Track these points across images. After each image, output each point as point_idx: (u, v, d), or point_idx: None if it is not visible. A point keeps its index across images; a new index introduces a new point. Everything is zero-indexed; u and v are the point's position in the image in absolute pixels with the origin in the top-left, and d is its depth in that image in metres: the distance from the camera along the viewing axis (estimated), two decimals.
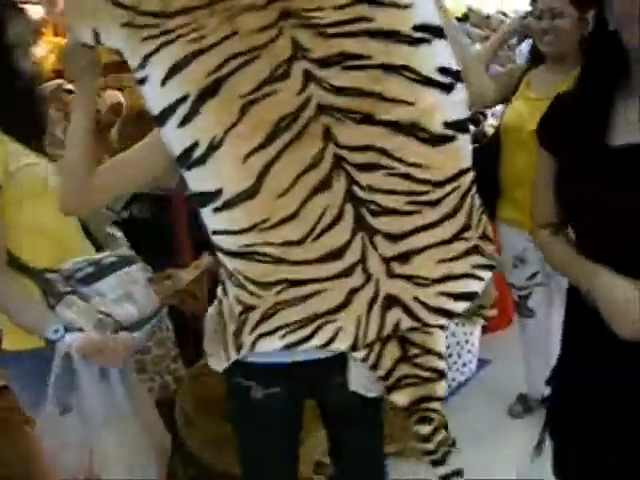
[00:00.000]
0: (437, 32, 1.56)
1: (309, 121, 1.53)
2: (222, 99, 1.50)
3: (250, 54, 1.51)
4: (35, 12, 4.05)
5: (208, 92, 1.50)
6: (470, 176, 1.64)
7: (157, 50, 1.51)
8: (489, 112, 4.47)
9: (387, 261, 1.60)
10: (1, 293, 1.89)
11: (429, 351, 1.66)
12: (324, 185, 1.54)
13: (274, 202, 1.53)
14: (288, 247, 1.55)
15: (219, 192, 1.52)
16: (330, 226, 1.56)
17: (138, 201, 3.18)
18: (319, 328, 1.61)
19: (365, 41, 1.52)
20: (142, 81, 1.53)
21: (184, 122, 1.51)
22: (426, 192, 1.59)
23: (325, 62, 1.52)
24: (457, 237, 1.64)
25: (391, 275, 1.60)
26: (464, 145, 1.61)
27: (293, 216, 1.53)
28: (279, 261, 1.56)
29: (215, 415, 2.56)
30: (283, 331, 1.62)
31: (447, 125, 1.57)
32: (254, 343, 1.64)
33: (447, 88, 1.57)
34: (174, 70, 1.51)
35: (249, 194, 1.51)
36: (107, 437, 1.90)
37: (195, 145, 1.51)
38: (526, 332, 3.32)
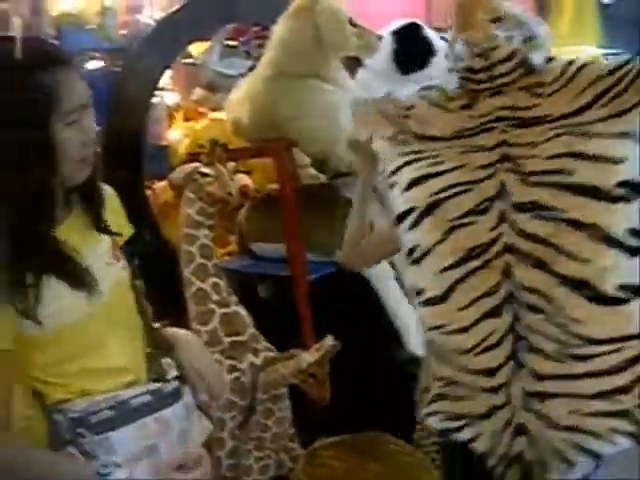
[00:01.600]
0: (639, 189, 1.64)
1: (495, 256, 1.71)
2: (436, 218, 1.76)
3: (466, 186, 1.76)
4: (169, 98, 4.31)
5: (429, 209, 1.76)
6: None
7: (407, 164, 1.81)
8: None
9: (526, 394, 1.70)
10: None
11: None
12: (494, 313, 1.71)
13: (455, 313, 1.73)
14: (457, 354, 1.75)
15: (422, 291, 1.76)
16: (491, 348, 1.72)
17: (263, 282, 3.26)
18: (466, 425, 1.76)
19: (560, 194, 1.67)
20: (392, 185, 1.82)
21: (411, 227, 1.77)
22: (577, 346, 1.66)
23: (520, 207, 1.71)
24: (603, 396, 1.67)
25: (526, 408, 1.70)
26: (637, 310, 1.64)
27: (466, 329, 1.72)
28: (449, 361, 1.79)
29: None
30: (440, 416, 1.81)
31: (621, 288, 1.62)
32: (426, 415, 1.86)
33: (632, 252, 1.63)
34: (414, 183, 1.79)
35: (439, 300, 1.74)
36: None
37: (415, 248, 1.76)
38: None
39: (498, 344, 1.72)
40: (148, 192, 3.70)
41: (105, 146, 3.34)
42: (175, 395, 1.62)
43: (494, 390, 1.73)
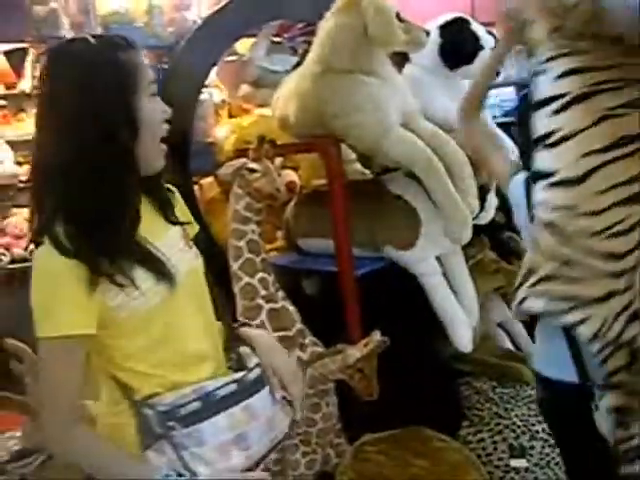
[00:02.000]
0: None
1: None
2: (589, 105, 1.86)
3: (625, 82, 1.86)
4: (215, 95, 4.33)
5: (580, 98, 1.87)
6: None
7: (564, 55, 1.91)
8: None
9: None
10: (82, 450, 1.58)
11: None
12: (631, 200, 1.81)
13: (590, 196, 1.83)
14: (584, 237, 1.84)
15: (554, 173, 1.87)
16: (622, 233, 1.81)
17: (309, 278, 3.27)
18: (573, 308, 1.84)
19: None
20: (543, 71, 1.94)
21: (556, 112, 1.88)
22: None
23: None
24: None
25: None
26: None
27: (598, 213, 1.82)
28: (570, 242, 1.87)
29: None
30: (546, 298, 1.90)
31: None
32: (524, 298, 1.96)
33: None
34: (569, 73, 1.89)
35: (575, 182, 1.84)
36: None
37: (552, 133, 1.88)
38: None
39: (630, 230, 1.81)
40: (195, 188, 3.73)
41: None
42: (259, 383, 1.66)
43: (617, 275, 1.81)
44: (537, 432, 2.94)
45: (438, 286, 2.86)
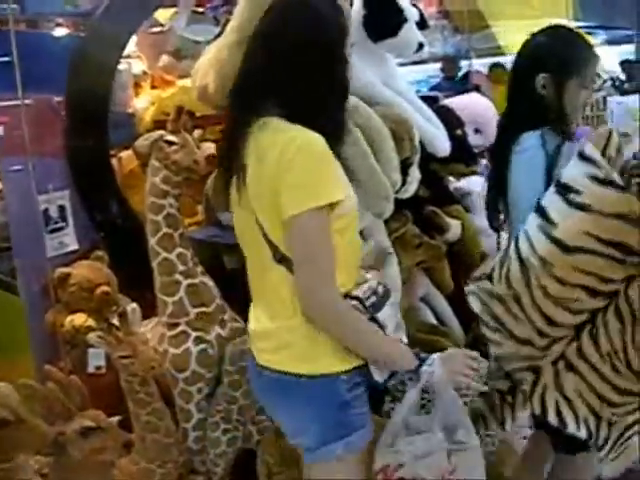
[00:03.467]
0: None
1: (633, 263, 1.93)
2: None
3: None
4: (136, 66, 4.22)
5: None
6: None
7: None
8: None
9: (560, 358, 2.08)
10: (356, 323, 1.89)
11: None
12: (597, 294, 1.97)
13: (568, 268, 1.95)
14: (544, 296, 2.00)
15: (556, 224, 1.99)
16: (573, 312, 2.02)
17: (229, 252, 3.21)
18: (496, 331, 2.11)
19: None
20: None
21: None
22: (621, 363, 2.00)
23: None
24: (602, 399, 2.06)
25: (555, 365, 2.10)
26: None
27: (565, 284, 1.98)
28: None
29: (297, 468, 2.54)
30: (484, 308, 2.12)
31: None
32: (469, 291, 2.17)
33: None
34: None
35: (564, 249, 1.96)
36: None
37: (577, 191, 1.95)
38: None
39: (579, 313, 2.02)
40: (114, 161, 3.63)
41: (68, 113, 3.30)
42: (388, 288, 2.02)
43: (545, 335, 2.04)
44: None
45: None
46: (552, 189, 2.01)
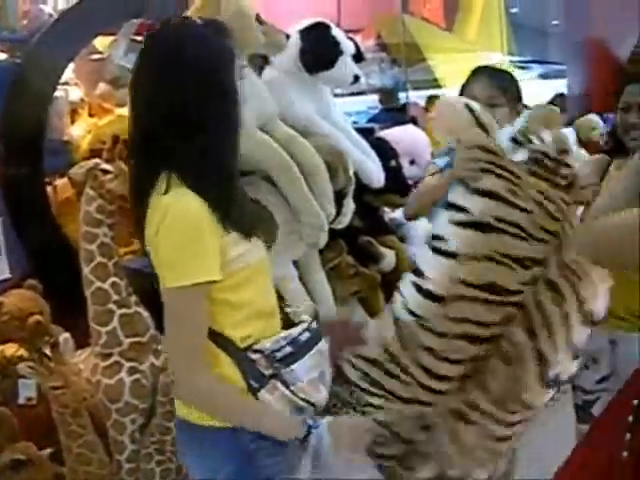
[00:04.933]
0: None
1: (507, 303, 1.89)
2: (483, 239, 1.89)
3: (526, 235, 1.89)
4: (73, 93, 4.20)
5: (482, 226, 1.88)
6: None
7: (492, 173, 1.91)
8: None
9: (449, 412, 2.00)
10: (220, 397, 1.72)
11: None
12: (475, 340, 1.92)
13: (442, 319, 1.92)
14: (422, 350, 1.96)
15: (424, 276, 1.97)
16: (453, 362, 1.94)
17: None
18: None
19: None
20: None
21: (457, 224, 1.92)
22: (514, 404, 1.98)
23: (549, 283, 1.93)
24: (501, 440, 2.03)
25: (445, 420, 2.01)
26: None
27: (442, 336, 1.92)
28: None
29: None
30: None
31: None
32: None
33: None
34: (485, 193, 1.90)
35: (437, 299, 1.93)
36: None
37: (443, 238, 1.92)
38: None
39: (458, 362, 1.93)
40: (49, 188, 3.60)
41: (3, 140, 3.27)
42: (319, 332, 1.88)
43: (425, 387, 1.94)
44: None
45: (294, 290, 2.85)
46: (424, 240, 2.01)
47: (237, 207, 1.72)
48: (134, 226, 1.76)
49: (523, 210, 1.90)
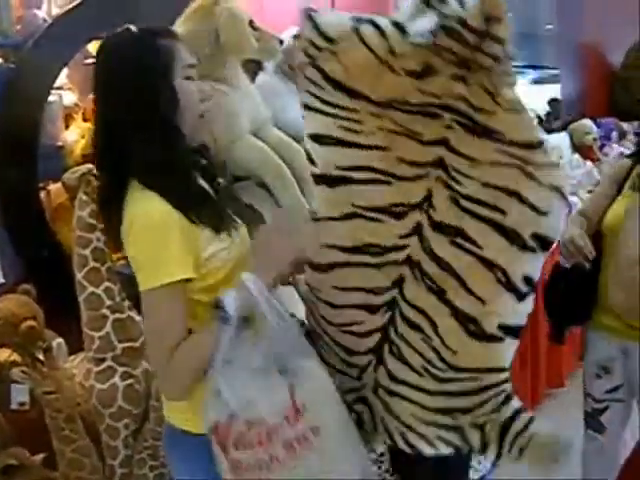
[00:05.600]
0: (545, 244, 1.61)
1: (392, 262, 1.64)
2: (337, 195, 1.64)
3: (385, 177, 1.60)
4: (67, 98, 4.19)
5: (329, 180, 1.66)
6: (502, 377, 1.70)
7: (313, 110, 1.70)
8: None
9: (377, 385, 1.78)
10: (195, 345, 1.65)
11: None
12: (370, 309, 1.71)
13: (330, 290, 1.73)
14: (327, 324, 1.82)
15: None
16: (358, 334, 1.74)
17: None
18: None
19: (486, 230, 1.59)
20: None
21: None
22: (440, 370, 1.68)
23: (439, 227, 1.60)
24: (445, 412, 1.73)
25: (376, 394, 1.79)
26: (508, 348, 1.67)
27: (335, 307, 1.75)
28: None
29: None
30: None
31: (501, 328, 1.64)
32: None
33: (522, 297, 1.63)
34: (315, 138, 1.69)
35: (320, 269, 1.74)
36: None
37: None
38: (590, 447, 2.92)
39: (365, 335, 1.74)
40: (43, 193, 3.59)
41: None
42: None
43: (349, 364, 1.78)
44: None
45: (285, 294, 2.85)
46: None
47: (209, 203, 1.75)
48: (113, 240, 1.79)
49: (369, 148, 1.62)
